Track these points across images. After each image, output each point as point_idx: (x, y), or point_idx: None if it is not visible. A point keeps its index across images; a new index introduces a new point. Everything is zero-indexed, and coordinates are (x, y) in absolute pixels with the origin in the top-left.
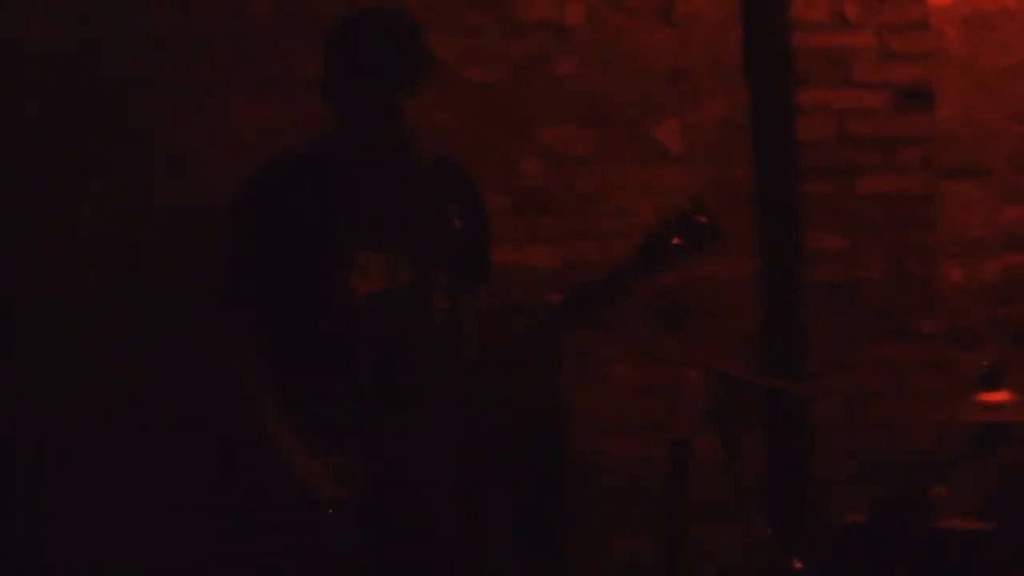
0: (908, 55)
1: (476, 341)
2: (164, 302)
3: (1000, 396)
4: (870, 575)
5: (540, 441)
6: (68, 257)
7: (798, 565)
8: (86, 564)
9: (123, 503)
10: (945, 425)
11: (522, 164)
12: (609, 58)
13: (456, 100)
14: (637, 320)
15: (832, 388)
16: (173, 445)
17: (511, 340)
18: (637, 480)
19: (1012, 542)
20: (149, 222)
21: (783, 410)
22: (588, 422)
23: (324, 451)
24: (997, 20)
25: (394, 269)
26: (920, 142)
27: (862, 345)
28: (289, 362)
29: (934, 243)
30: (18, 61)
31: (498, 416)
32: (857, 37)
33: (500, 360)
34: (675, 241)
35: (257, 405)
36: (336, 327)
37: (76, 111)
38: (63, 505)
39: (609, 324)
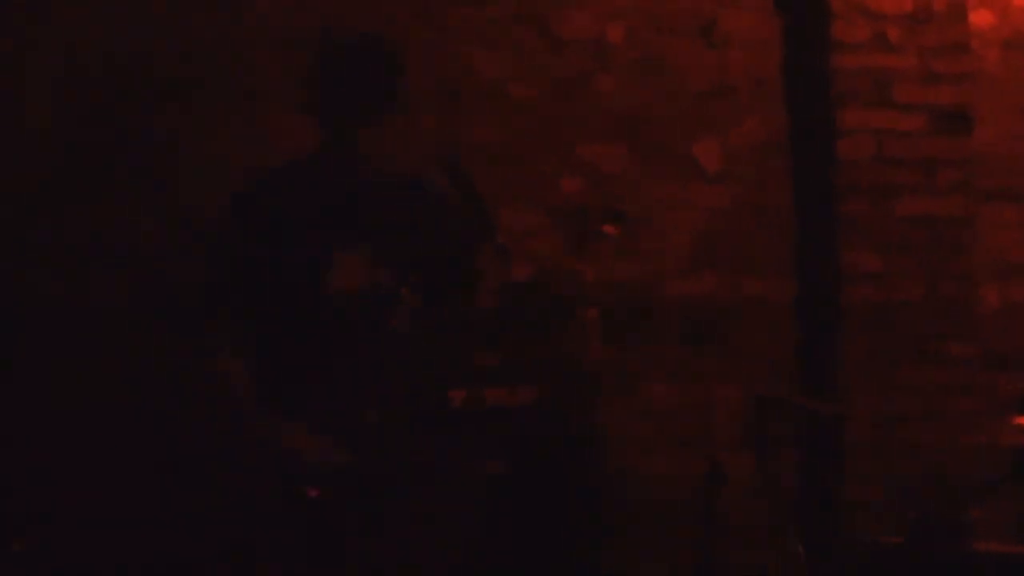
0: (948, 77)
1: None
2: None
3: None
4: None
5: (576, 459)
6: (99, 263)
7: None
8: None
9: (123, 500)
10: (981, 448)
11: (561, 180)
12: (649, 76)
13: (497, 116)
14: (673, 339)
15: (866, 410)
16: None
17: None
18: (671, 499)
19: None
20: (188, 228)
21: (817, 431)
22: (623, 440)
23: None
24: None
25: (366, 268)
26: (958, 164)
27: (897, 367)
28: (272, 358)
29: (971, 266)
30: (62, 66)
31: (532, 432)
32: (898, 58)
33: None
34: (604, 229)
35: (244, 402)
36: (312, 324)
37: (115, 117)
38: (63, 502)
39: (643, 342)
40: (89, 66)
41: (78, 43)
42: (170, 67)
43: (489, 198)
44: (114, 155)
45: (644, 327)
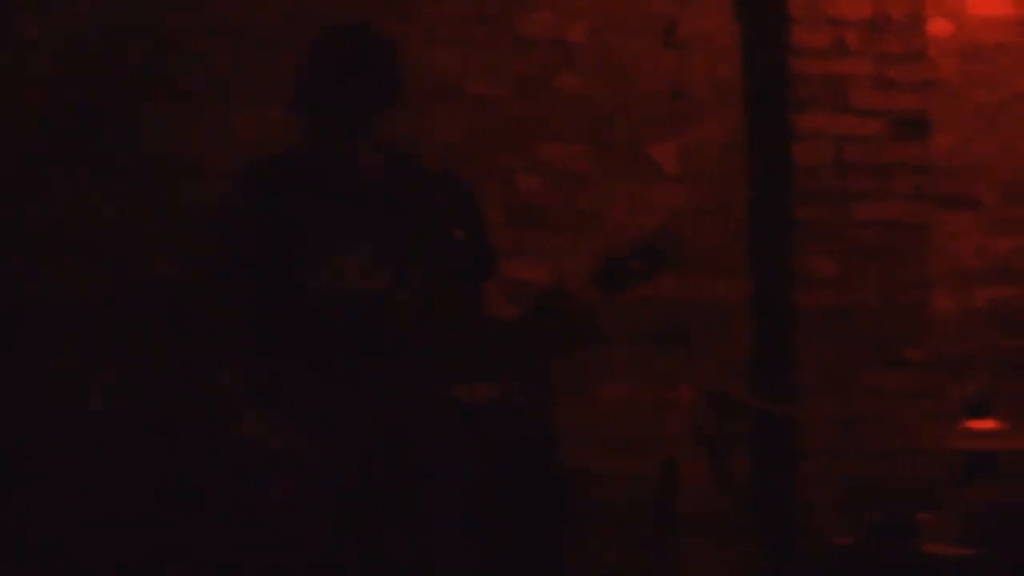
0: (906, 84)
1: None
2: (172, 301)
3: (987, 424)
4: None
5: (532, 458)
6: (75, 257)
7: None
8: (78, 562)
9: (116, 502)
10: (933, 452)
11: (520, 179)
12: (610, 76)
13: (458, 114)
14: (628, 339)
15: (821, 412)
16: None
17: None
18: (625, 498)
19: (997, 568)
20: (158, 222)
21: (771, 433)
22: (577, 439)
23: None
24: (993, 54)
25: (366, 269)
26: (915, 171)
27: (852, 371)
28: (268, 358)
29: (926, 272)
30: (33, 60)
31: (484, 428)
32: (857, 65)
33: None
34: (633, 267)
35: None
36: (310, 326)
37: (88, 111)
38: (57, 504)
39: (599, 342)
40: (58, 56)
41: (45, 33)
42: (144, 58)
43: None
44: (83, 147)
45: (601, 326)
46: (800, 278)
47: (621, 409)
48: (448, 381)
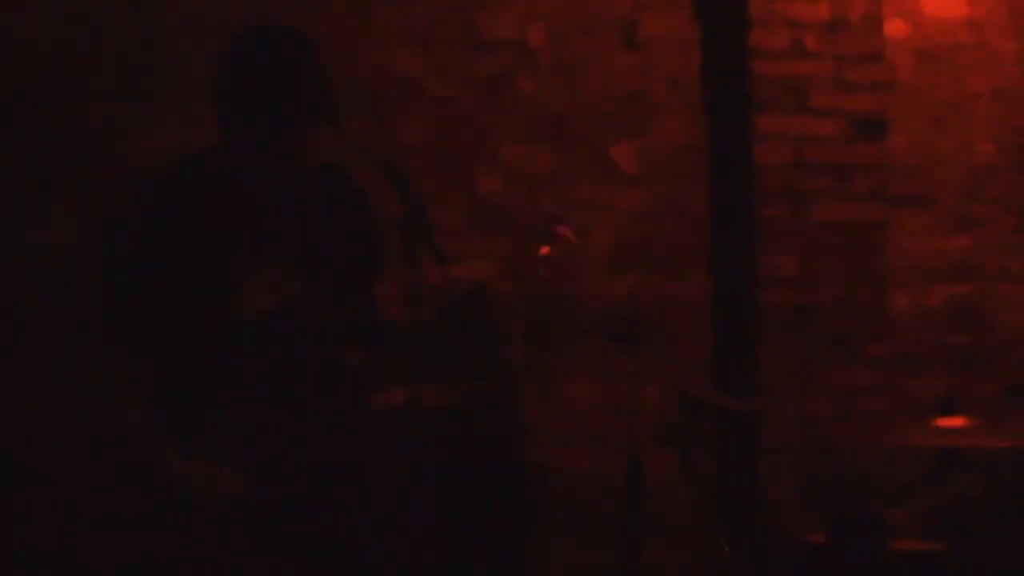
0: (864, 85)
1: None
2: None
3: (956, 422)
4: None
5: (499, 458)
6: (30, 261)
7: None
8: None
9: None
10: (898, 449)
11: (480, 180)
12: (570, 78)
13: (418, 116)
14: (592, 338)
15: (784, 410)
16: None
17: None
18: (592, 496)
19: (964, 563)
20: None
21: (737, 430)
22: (544, 439)
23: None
24: (949, 54)
25: (282, 284)
26: (872, 170)
27: (813, 368)
28: (179, 382)
29: (884, 270)
30: None
31: (452, 429)
32: (815, 66)
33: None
34: (542, 251)
35: (143, 432)
36: (225, 346)
37: (39, 117)
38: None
39: (564, 342)
40: (7, 56)
41: None
42: (101, 59)
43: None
44: (35, 151)
45: (565, 326)
46: (761, 277)
47: (585, 408)
48: (366, 389)
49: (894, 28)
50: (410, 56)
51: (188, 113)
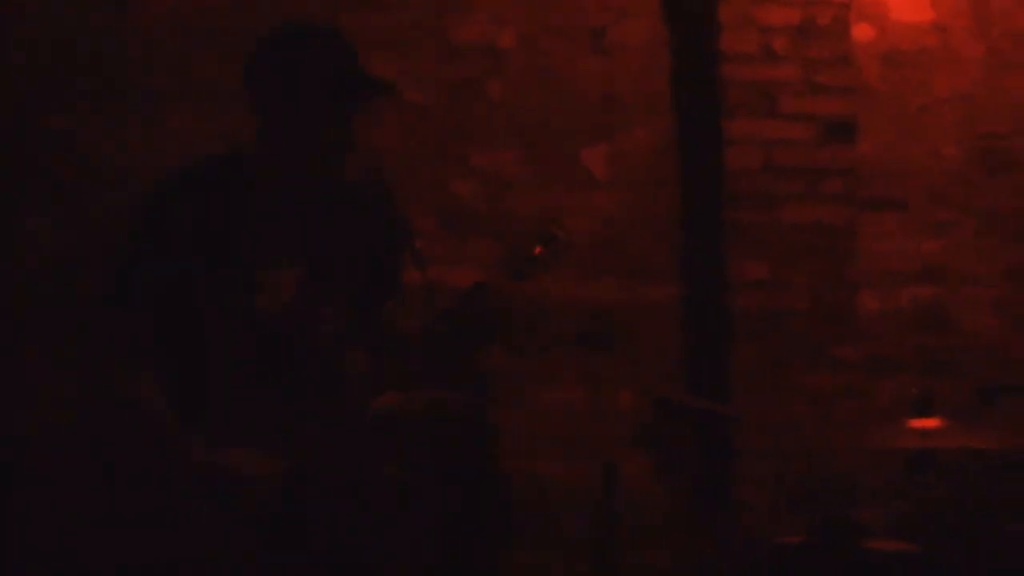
0: (833, 89)
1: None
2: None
3: (931, 423)
4: None
5: (472, 464)
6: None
7: None
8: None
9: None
10: (871, 450)
11: (452, 185)
12: (541, 82)
13: (390, 120)
14: (564, 343)
15: (757, 413)
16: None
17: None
18: (567, 501)
19: (937, 563)
20: (91, 233)
21: (711, 434)
22: (516, 444)
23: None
24: (917, 58)
25: (298, 285)
26: (842, 174)
27: (785, 371)
28: (193, 377)
29: (855, 273)
30: None
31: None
32: (785, 70)
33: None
34: (535, 251)
35: (147, 411)
36: (233, 344)
37: (17, 121)
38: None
39: (536, 347)
40: None
41: None
42: (74, 59)
43: None
44: (9, 154)
45: (538, 331)
46: (732, 280)
47: (559, 413)
48: (367, 394)
49: (861, 32)
50: (383, 61)
51: (163, 113)
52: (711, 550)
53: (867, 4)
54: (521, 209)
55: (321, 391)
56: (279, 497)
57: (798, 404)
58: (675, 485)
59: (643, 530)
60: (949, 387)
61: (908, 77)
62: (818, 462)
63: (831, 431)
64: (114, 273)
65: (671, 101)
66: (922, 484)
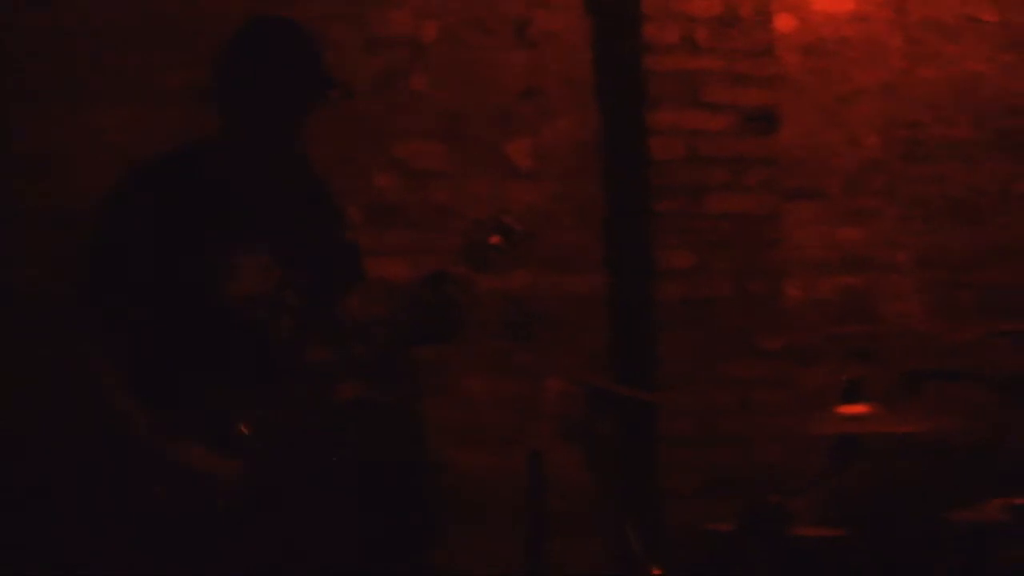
0: (754, 79)
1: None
2: (24, 308)
3: (859, 409)
4: None
5: (397, 455)
6: None
7: (657, 573)
8: None
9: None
10: (798, 438)
11: (376, 177)
12: (464, 75)
13: (314, 113)
14: (488, 332)
15: (682, 401)
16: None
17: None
18: (493, 492)
19: (863, 547)
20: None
21: (638, 422)
22: (441, 434)
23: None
24: (837, 48)
25: (262, 270)
26: (765, 163)
27: (710, 361)
28: (159, 362)
29: (778, 262)
30: None
31: (357, 424)
32: (707, 60)
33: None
34: (492, 240)
35: (119, 408)
36: (206, 329)
37: None
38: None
39: (460, 336)
40: None
41: None
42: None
43: None
44: None
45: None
46: (657, 271)
47: (484, 403)
48: (323, 383)
49: (782, 23)
50: None
51: (87, 111)
52: (639, 538)
53: None
54: (445, 201)
55: (282, 380)
56: (236, 496)
57: (724, 392)
58: (602, 473)
59: (571, 519)
60: (874, 374)
61: (829, 67)
62: (745, 450)
63: (753, 419)
64: (86, 266)
65: (595, 92)
66: (847, 470)
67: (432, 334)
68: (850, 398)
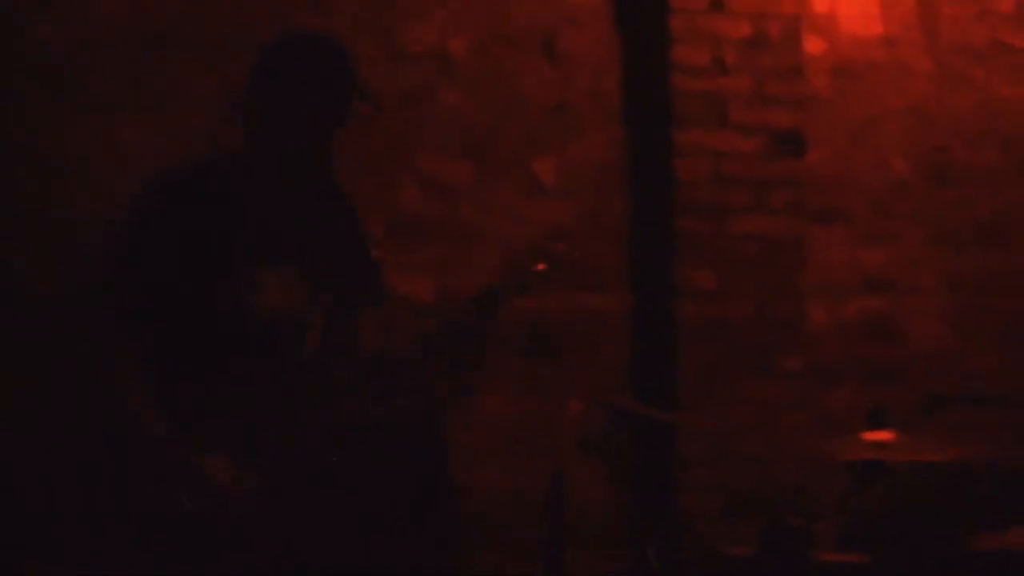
0: (783, 100)
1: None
2: (46, 317)
3: (884, 435)
4: None
5: (422, 472)
6: None
7: None
8: None
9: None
10: (821, 461)
11: (401, 192)
12: (491, 90)
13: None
14: (510, 351)
15: (704, 421)
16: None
17: (392, 366)
18: (515, 510)
19: (886, 572)
20: (31, 235)
21: (659, 443)
22: (462, 454)
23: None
24: (864, 71)
25: (288, 287)
26: (791, 185)
27: (732, 381)
28: (181, 375)
29: (801, 284)
30: None
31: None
32: (735, 81)
33: (384, 385)
34: (539, 267)
35: (143, 418)
36: (229, 344)
37: None
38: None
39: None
40: None
41: None
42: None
43: None
44: None
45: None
46: (680, 290)
47: (505, 422)
48: (347, 402)
49: (811, 45)
50: None
51: (111, 120)
52: (659, 558)
53: (818, 17)
54: (470, 217)
55: (305, 398)
56: (249, 509)
57: (745, 413)
58: (623, 493)
59: (592, 538)
60: (897, 397)
61: (857, 89)
62: (766, 471)
63: (774, 441)
64: (110, 275)
65: (622, 110)
66: (871, 495)
67: (466, 361)
68: (875, 424)
